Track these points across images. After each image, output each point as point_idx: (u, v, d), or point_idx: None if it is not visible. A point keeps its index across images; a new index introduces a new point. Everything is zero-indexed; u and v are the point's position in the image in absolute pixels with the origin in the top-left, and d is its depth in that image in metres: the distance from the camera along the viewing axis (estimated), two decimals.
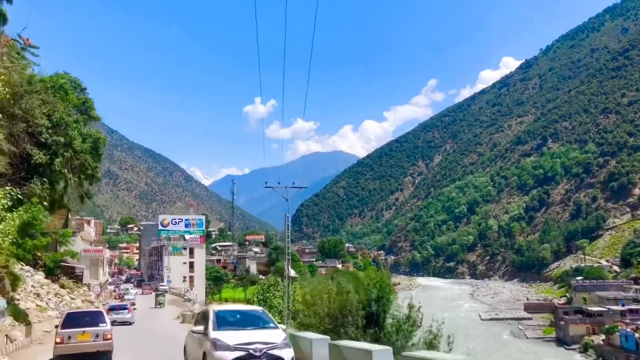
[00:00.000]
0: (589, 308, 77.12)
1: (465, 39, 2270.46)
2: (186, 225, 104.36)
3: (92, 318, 17.42)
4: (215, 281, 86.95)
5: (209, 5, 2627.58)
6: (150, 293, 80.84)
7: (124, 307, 35.64)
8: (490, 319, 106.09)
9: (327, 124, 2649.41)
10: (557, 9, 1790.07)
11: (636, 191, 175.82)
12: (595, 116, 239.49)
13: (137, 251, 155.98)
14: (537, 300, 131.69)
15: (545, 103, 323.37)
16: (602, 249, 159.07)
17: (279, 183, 38.80)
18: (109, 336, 16.79)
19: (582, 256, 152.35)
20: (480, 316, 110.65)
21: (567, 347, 74.87)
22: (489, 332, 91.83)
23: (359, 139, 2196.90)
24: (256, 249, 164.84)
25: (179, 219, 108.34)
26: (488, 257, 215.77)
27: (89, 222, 69.96)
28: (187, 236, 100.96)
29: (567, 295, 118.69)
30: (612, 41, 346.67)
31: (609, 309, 74.68)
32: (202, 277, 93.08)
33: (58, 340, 16.08)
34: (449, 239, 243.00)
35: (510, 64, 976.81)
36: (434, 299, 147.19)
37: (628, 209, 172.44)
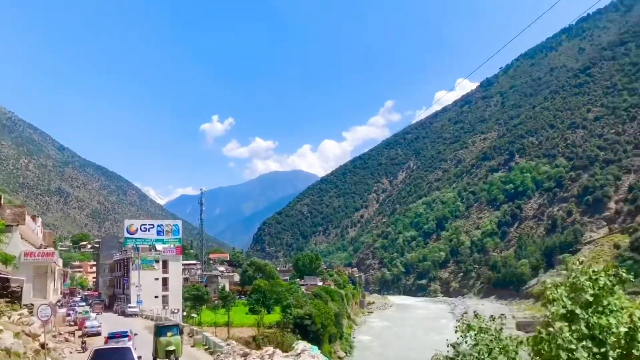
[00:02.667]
0: None
1: (419, 61, 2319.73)
2: (158, 233, 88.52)
3: (120, 355, 17.36)
4: (195, 301, 74.57)
5: (167, 20, 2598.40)
6: (101, 313, 67.20)
7: (124, 335, 32.55)
8: None
9: (285, 144, 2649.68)
10: (513, 30, 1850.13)
11: (612, 205, 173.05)
12: (562, 131, 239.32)
13: (93, 269, 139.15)
14: (525, 318, 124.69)
15: (508, 120, 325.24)
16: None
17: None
18: None
19: (565, 271, 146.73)
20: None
21: None
22: None
23: (318, 159, 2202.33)
24: (221, 268, 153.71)
25: (149, 224, 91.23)
26: (461, 274, 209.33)
27: (34, 218, 53.61)
28: (159, 246, 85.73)
29: None
30: (570, 60, 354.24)
31: None
32: (179, 296, 78.37)
33: None
34: (420, 255, 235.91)
35: (465, 86, 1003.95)
36: (414, 319, 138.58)
37: (604, 223, 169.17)
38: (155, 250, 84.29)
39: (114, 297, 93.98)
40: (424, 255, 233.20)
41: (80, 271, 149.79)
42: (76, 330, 46.71)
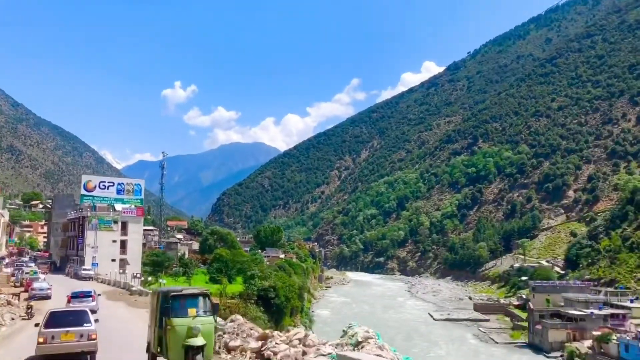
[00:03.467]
0: (570, 312, 70.05)
1: (388, 41, 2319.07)
2: (118, 192, 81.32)
3: (75, 317, 16.86)
4: (154, 267, 70.71)
5: None
6: (46, 273, 62.44)
7: (88, 294, 31.56)
8: (445, 320, 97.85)
9: (248, 115, 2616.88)
10: (482, 15, 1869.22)
11: (570, 193, 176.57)
12: (526, 118, 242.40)
13: (44, 230, 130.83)
14: (481, 300, 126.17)
15: (473, 105, 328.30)
16: (539, 249, 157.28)
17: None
18: (93, 336, 16.18)
19: (522, 256, 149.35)
20: (432, 316, 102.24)
21: (546, 355, 67.14)
22: (449, 335, 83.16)
23: (281, 133, 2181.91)
24: (179, 236, 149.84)
25: (109, 182, 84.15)
26: (419, 254, 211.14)
27: None
28: (118, 206, 79.15)
29: (518, 295, 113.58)
30: (537, 49, 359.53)
31: (591, 312, 67.92)
32: (138, 260, 73.27)
33: (41, 340, 15.65)
34: (379, 233, 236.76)
35: (431, 69, 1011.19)
36: (371, 296, 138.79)
37: (562, 211, 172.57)
38: (114, 210, 78.61)
39: (66, 259, 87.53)
40: (383, 233, 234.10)
41: (30, 231, 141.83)
42: (22, 292, 40.98)
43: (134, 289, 45.99)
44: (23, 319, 28.41)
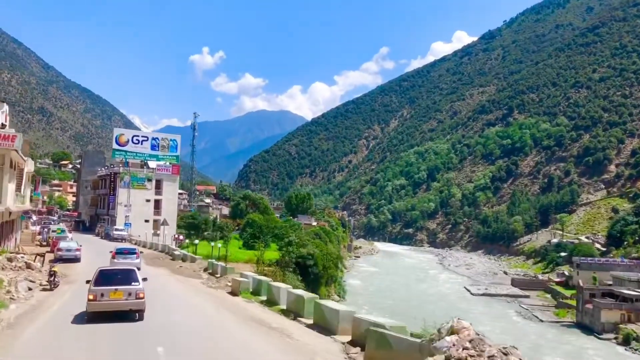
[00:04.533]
0: (625, 291, 65.82)
1: (418, 8, 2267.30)
2: (153, 147, 74.75)
3: (124, 276, 17.30)
4: (190, 230, 67.81)
5: None
6: (70, 232, 55.98)
7: (132, 251, 31.77)
8: (483, 294, 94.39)
9: (275, 83, 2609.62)
10: None
11: (612, 168, 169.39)
12: (565, 90, 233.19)
13: (73, 189, 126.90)
14: (517, 275, 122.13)
15: (508, 75, 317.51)
16: (577, 224, 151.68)
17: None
18: (141, 295, 16.58)
19: (560, 231, 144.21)
20: (469, 290, 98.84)
21: (598, 336, 63.33)
22: (490, 311, 79.78)
23: (307, 101, 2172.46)
24: (208, 200, 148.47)
25: (143, 136, 77.67)
26: (450, 226, 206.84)
27: None
28: (152, 163, 72.97)
29: (559, 272, 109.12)
30: (577, 19, 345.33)
31: None
32: (173, 222, 67.81)
33: (91, 297, 16.12)
34: (408, 204, 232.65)
35: (463, 39, 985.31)
36: (402, 268, 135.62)
37: (603, 186, 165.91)
38: (148, 167, 73.50)
39: (96, 218, 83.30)
40: (413, 204, 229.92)
41: (59, 190, 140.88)
42: (47, 253, 35.77)
43: (176, 253, 41.52)
44: (44, 289, 22.84)
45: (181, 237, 53.85)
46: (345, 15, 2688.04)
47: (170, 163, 76.40)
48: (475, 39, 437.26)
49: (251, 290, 24.35)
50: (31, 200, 48.16)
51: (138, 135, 78.05)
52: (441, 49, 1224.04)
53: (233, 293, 24.60)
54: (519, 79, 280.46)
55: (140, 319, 16.69)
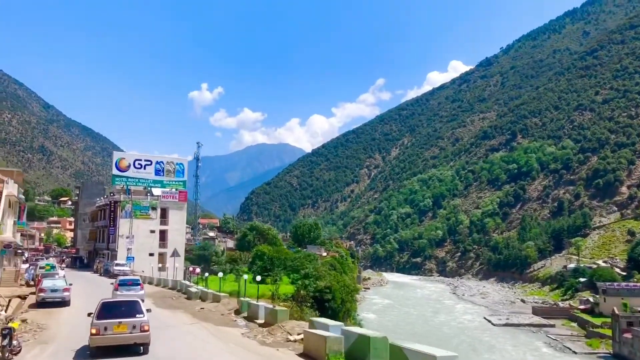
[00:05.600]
0: None
1: (413, 40, 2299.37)
2: (157, 172, 68.27)
3: (128, 308, 16.63)
4: (200, 262, 62.59)
5: None
6: (62, 268, 50.33)
7: (136, 282, 30.55)
8: (505, 325, 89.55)
9: (274, 116, 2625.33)
10: (511, 11, 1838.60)
11: (624, 189, 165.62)
12: (568, 112, 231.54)
13: (72, 227, 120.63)
14: (535, 303, 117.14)
15: (508, 100, 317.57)
16: (592, 249, 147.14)
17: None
18: (146, 327, 16.04)
19: (576, 256, 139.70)
20: (489, 321, 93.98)
21: None
22: (516, 342, 75.00)
23: (306, 133, 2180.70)
24: (211, 233, 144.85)
25: (146, 160, 69.11)
26: (459, 254, 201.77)
27: None
28: (157, 190, 67.03)
29: (582, 298, 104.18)
30: (574, 43, 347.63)
31: None
32: (181, 255, 60.28)
33: (94, 331, 15.53)
34: (415, 233, 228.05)
35: (458, 68, 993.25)
36: (415, 299, 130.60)
37: (615, 208, 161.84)
38: (152, 195, 67.76)
39: (94, 254, 76.85)
40: (420, 233, 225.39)
41: (58, 227, 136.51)
42: (31, 294, 30.80)
43: (192, 290, 34.78)
44: None
45: (197, 269, 48.71)
46: (341, 48, 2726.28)
47: (176, 189, 70.48)
48: (471, 67, 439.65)
49: (344, 350, 14.54)
50: (21, 233, 42.46)
51: (140, 159, 70.44)
52: (437, 78, 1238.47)
53: (310, 356, 15.64)
54: (520, 103, 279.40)
55: (145, 352, 16.13)
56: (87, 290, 34.98)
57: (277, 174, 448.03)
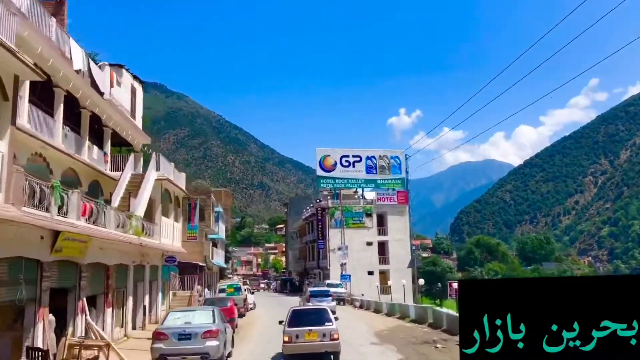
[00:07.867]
0: None
1: (628, 27, 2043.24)
2: (368, 170, 57.03)
3: (317, 316, 16.75)
4: (430, 282, 52.85)
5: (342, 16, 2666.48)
6: (257, 289, 44.02)
7: (327, 294, 32.19)
8: None
9: (476, 133, 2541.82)
10: None
11: None
12: None
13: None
14: None
15: None
16: None
17: None
18: (335, 336, 15.70)
19: None
20: None
21: None
22: None
23: (512, 146, 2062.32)
24: (425, 254, 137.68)
25: (354, 156, 57.48)
26: None
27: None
28: (369, 193, 56.10)
29: None
30: None
31: None
32: (407, 272, 48.08)
33: (286, 339, 15.52)
34: None
35: None
36: None
37: None
38: (364, 198, 56.81)
39: (305, 274, 67.59)
40: None
41: (274, 253, 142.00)
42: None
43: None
44: None
45: (454, 284, 36.09)
46: (547, 52, 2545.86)
47: (393, 189, 59.00)
48: None
49: None
50: (194, 237, 34.69)
51: (348, 155, 58.92)
52: None
53: None
54: None
55: None
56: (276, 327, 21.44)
57: (485, 191, 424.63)
